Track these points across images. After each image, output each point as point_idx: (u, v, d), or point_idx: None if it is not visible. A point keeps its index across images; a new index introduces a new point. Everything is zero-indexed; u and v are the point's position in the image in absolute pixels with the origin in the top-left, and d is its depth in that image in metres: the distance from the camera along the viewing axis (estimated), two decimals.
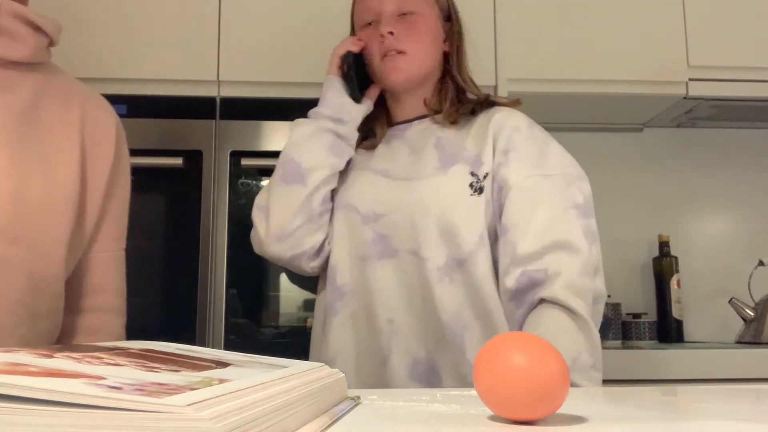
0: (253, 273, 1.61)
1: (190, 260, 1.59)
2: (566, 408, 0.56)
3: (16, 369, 0.36)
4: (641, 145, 2.30)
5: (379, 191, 1.12)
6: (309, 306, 1.63)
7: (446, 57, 1.22)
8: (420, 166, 1.11)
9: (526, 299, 1.02)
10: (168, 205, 1.63)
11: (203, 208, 1.61)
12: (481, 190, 1.07)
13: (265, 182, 1.66)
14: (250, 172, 1.64)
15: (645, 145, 2.30)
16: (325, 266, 1.16)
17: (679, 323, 2.12)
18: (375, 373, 1.07)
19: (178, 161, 1.60)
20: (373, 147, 1.20)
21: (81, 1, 1.69)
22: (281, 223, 1.10)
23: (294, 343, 1.58)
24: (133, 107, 1.62)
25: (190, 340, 1.54)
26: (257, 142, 1.66)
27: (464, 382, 1.02)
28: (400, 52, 1.14)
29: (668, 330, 2.12)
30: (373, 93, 1.20)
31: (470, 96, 1.21)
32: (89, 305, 0.94)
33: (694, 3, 1.95)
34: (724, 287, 2.22)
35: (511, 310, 1.04)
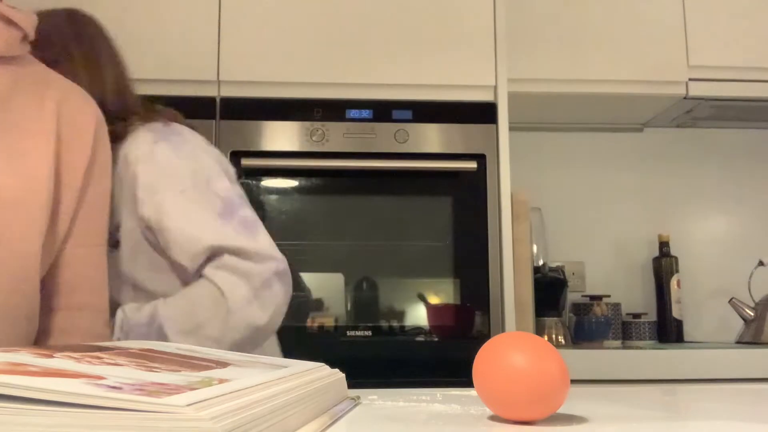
0: None
1: None
2: (566, 408, 0.56)
3: (16, 369, 0.36)
4: (641, 145, 2.30)
5: None
6: (309, 306, 1.63)
7: None
8: None
9: None
10: None
11: None
12: None
13: (265, 182, 1.66)
14: (251, 172, 1.65)
15: (645, 145, 2.30)
16: None
17: (679, 323, 2.12)
18: None
19: None
20: None
21: (81, 2, 1.69)
22: None
23: (294, 343, 1.58)
24: None
25: None
26: (257, 142, 1.66)
27: None
28: None
29: (668, 330, 2.12)
30: None
31: None
32: (64, 303, 0.88)
33: (694, 3, 1.95)
34: (724, 287, 2.23)
35: None
